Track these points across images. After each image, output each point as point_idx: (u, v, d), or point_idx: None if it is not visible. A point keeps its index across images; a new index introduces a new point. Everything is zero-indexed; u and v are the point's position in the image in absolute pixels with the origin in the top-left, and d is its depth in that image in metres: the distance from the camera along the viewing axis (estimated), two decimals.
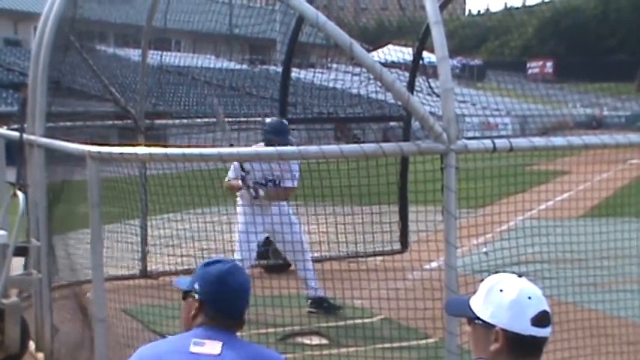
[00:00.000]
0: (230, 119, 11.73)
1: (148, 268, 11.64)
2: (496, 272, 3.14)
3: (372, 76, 7.32)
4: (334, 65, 16.30)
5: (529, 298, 2.93)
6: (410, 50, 13.22)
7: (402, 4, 13.23)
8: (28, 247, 8.24)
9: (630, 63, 65.75)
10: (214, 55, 30.26)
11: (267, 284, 8.77)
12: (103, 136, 11.17)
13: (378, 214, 11.07)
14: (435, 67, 5.57)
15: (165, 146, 6.75)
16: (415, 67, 12.72)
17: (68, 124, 9.86)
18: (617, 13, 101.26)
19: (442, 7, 9.72)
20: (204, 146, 7.93)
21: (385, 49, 14.58)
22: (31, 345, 8.41)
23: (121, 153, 6.44)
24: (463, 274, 6.34)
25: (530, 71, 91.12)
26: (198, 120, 14.56)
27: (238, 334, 3.63)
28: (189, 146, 7.15)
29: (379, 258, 12.18)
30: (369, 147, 5.69)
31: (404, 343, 8.42)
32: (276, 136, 9.36)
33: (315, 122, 14.21)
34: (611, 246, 8.75)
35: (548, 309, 2.95)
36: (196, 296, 3.55)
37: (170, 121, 15.15)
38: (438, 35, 5.36)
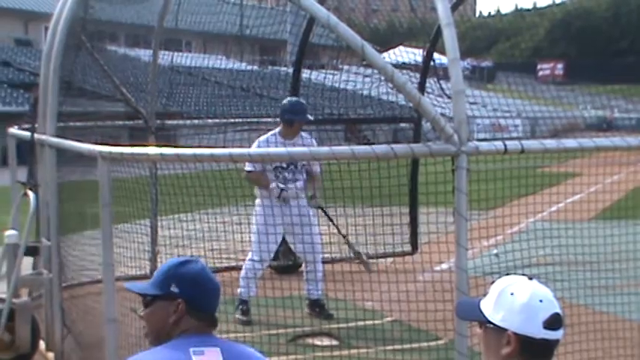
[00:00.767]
0: (240, 120, 11.73)
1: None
2: (507, 274, 3.12)
3: (382, 78, 7.31)
4: (345, 66, 16.29)
5: (540, 301, 2.91)
6: (420, 52, 13.20)
7: (412, 5, 13.22)
8: (39, 247, 8.26)
9: None
10: (225, 56, 30.27)
11: (277, 285, 8.77)
12: (114, 136, 11.18)
13: (389, 216, 11.07)
14: (445, 68, 5.55)
15: (175, 146, 6.75)
16: (426, 69, 12.71)
17: (79, 124, 9.87)
18: (628, 16, 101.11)
19: (453, 9, 9.71)
20: (215, 147, 7.94)
21: (396, 50, 14.56)
22: (42, 344, 8.42)
23: (132, 153, 6.44)
24: (474, 276, 6.34)
25: (540, 73, 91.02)
26: (209, 120, 14.55)
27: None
28: (199, 146, 7.15)
29: (389, 259, 12.16)
30: (380, 148, 5.68)
31: (414, 345, 8.41)
32: (296, 115, 9.31)
33: (326, 123, 14.17)
34: (623, 248, 8.74)
35: (559, 311, 2.94)
36: (179, 299, 3.34)
37: (181, 122, 15.13)
38: (449, 37, 5.35)
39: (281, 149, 8.21)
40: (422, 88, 12.28)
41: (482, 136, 43.97)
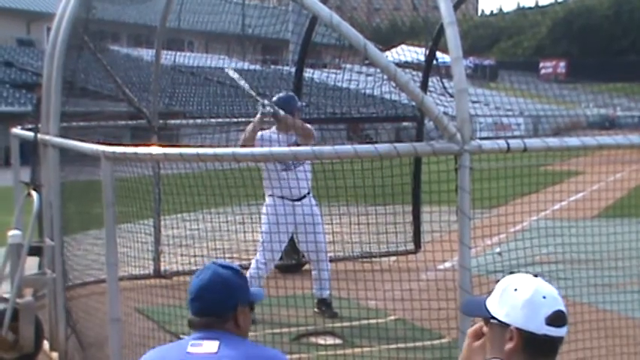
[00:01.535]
0: (243, 119, 11.73)
1: (162, 268, 11.67)
2: (511, 273, 3.13)
3: (385, 77, 7.31)
4: (347, 65, 16.28)
5: (544, 297, 2.92)
6: (423, 50, 13.20)
7: (415, 4, 13.22)
8: (42, 247, 8.27)
9: None
10: (227, 56, 30.25)
11: (280, 284, 8.77)
12: (116, 136, 11.20)
13: (392, 215, 11.08)
14: (448, 67, 5.55)
15: (178, 146, 6.75)
16: (428, 68, 12.71)
17: (82, 123, 9.88)
18: (629, 14, 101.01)
19: (455, 7, 9.70)
20: (218, 146, 7.94)
21: (398, 49, 14.55)
22: (45, 344, 8.43)
23: (135, 153, 6.44)
24: (477, 275, 6.34)
25: (543, 71, 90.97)
26: (212, 120, 14.55)
27: (252, 333, 3.64)
28: (202, 146, 7.15)
29: (393, 258, 12.17)
30: (383, 147, 5.68)
31: (417, 344, 8.40)
32: (284, 110, 9.36)
33: (328, 122, 14.17)
34: (626, 247, 8.72)
35: (563, 309, 2.94)
36: None
37: (184, 121, 15.15)
38: (452, 36, 5.35)
39: (284, 149, 8.21)
40: (424, 86, 12.27)
41: (484, 134, 43.89)
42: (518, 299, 2.92)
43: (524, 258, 8.03)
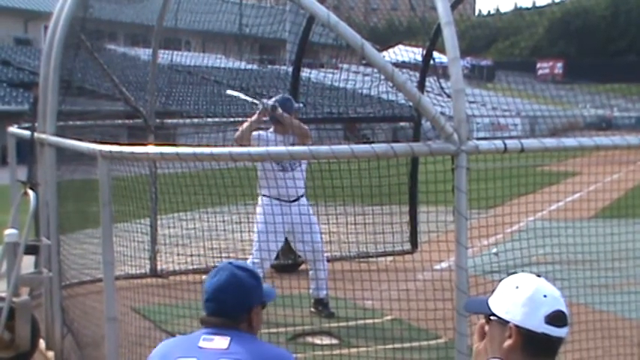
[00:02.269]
0: (240, 119, 11.73)
1: (158, 267, 11.66)
2: (507, 273, 3.13)
3: (382, 77, 7.31)
4: (344, 65, 16.28)
5: (544, 296, 2.93)
6: (420, 50, 13.20)
7: (412, 4, 13.21)
8: (39, 246, 8.25)
9: None
10: (224, 55, 30.27)
11: (277, 284, 8.76)
12: (113, 135, 11.18)
13: (389, 215, 11.07)
14: (445, 67, 5.55)
15: (175, 145, 6.75)
16: (425, 68, 12.71)
17: (79, 123, 9.87)
18: (627, 15, 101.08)
19: (453, 8, 9.69)
20: (215, 145, 7.93)
21: (396, 49, 14.57)
22: (42, 343, 8.42)
23: (132, 152, 6.43)
24: (473, 275, 6.34)
25: (540, 72, 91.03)
26: (209, 119, 14.56)
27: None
28: (199, 145, 7.14)
29: (389, 258, 12.17)
30: (380, 147, 5.68)
31: (414, 344, 8.41)
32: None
33: (325, 122, 14.18)
34: (622, 247, 8.72)
35: (564, 309, 2.94)
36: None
37: (180, 121, 15.15)
38: (449, 36, 5.35)
39: (281, 148, 8.21)
40: (422, 87, 12.29)
41: (481, 135, 43.93)
42: (519, 297, 2.93)
43: (520, 258, 8.03)
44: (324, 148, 6.15)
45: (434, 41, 12.16)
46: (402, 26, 18.44)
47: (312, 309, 9.64)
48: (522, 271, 3.16)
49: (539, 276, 3.02)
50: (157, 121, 11.94)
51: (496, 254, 9.87)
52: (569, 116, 49.10)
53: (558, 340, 2.93)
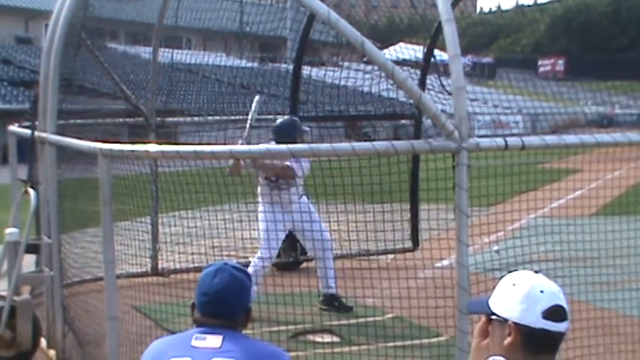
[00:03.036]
0: (241, 117, 11.73)
1: (159, 266, 11.66)
2: (508, 270, 3.13)
3: (383, 74, 7.31)
4: (345, 63, 16.28)
5: (541, 292, 2.92)
6: (421, 48, 13.19)
7: (413, 1, 13.21)
8: (40, 245, 8.25)
9: None
10: (225, 53, 30.28)
11: (278, 282, 8.77)
12: (114, 133, 11.19)
13: (390, 212, 11.06)
14: (446, 64, 5.54)
15: (176, 144, 6.75)
16: (426, 65, 12.71)
17: (79, 121, 9.87)
18: (628, 12, 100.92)
19: (454, 5, 9.69)
20: (216, 144, 7.93)
21: (396, 46, 14.56)
22: (43, 342, 8.42)
23: (132, 150, 6.43)
24: (474, 273, 6.34)
25: (541, 69, 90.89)
26: (210, 118, 14.56)
27: (250, 331, 3.66)
28: (200, 144, 7.14)
29: (390, 256, 12.17)
30: (380, 145, 5.67)
31: (415, 341, 8.41)
32: (278, 137, 9.38)
33: (326, 120, 14.17)
34: (624, 244, 8.72)
35: (563, 304, 2.93)
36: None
37: (181, 119, 15.14)
38: (450, 33, 5.34)
39: (282, 147, 8.18)
40: (422, 84, 12.28)
41: (482, 132, 43.93)
42: (516, 294, 2.93)
43: (522, 256, 8.03)
44: (325, 146, 6.15)
45: (435, 39, 12.15)
46: (403, 24, 18.44)
47: (323, 307, 9.64)
48: (523, 268, 3.15)
49: (537, 272, 3.01)
50: (158, 119, 11.94)
51: (497, 252, 9.87)
52: (571, 113, 49.06)
53: (559, 335, 2.92)
